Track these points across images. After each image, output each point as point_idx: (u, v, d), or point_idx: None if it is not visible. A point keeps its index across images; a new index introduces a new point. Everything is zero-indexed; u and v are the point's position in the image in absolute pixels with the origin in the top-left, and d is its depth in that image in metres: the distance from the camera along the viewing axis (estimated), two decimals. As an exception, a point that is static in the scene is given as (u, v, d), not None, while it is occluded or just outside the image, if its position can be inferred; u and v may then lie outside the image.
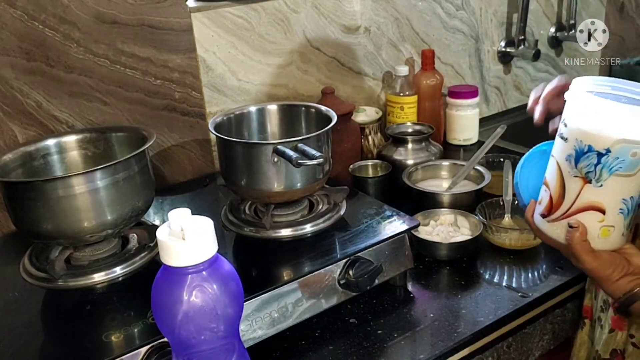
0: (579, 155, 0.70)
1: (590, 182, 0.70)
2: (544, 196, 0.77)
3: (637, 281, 0.74)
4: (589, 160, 0.69)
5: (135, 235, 0.97)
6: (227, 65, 1.30)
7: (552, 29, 1.88)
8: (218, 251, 0.59)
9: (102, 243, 0.93)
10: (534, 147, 0.86)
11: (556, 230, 0.75)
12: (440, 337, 0.91)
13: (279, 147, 0.93)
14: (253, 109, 1.14)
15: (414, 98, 1.49)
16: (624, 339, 0.86)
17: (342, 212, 1.04)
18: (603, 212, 0.71)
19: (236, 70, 1.31)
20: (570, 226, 0.73)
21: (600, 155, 0.68)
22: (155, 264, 0.92)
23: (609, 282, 0.74)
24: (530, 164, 0.84)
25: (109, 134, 1.04)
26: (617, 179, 0.69)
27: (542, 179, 0.78)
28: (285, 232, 0.99)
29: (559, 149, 0.74)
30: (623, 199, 0.71)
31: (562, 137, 0.73)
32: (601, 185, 0.70)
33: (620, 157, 0.68)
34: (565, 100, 0.74)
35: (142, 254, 0.93)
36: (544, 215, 0.77)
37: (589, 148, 0.69)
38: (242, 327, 0.81)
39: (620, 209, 0.71)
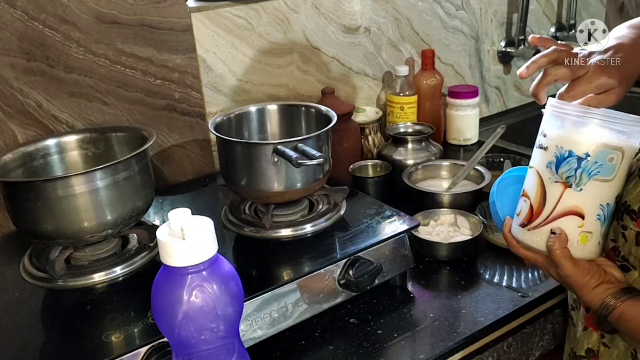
0: (559, 161, 0.74)
1: (570, 186, 0.73)
2: (523, 207, 0.79)
3: (613, 290, 0.75)
4: (570, 165, 0.73)
5: (135, 235, 0.97)
6: (227, 65, 1.30)
7: (552, 29, 1.88)
8: (218, 251, 0.59)
9: (102, 243, 0.93)
10: (504, 172, 0.90)
11: (536, 238, 0.78)
12: (440, 337, 0.91)
13: (279, 147, 0.93)
14: (253, 109, 1.14)
15: (414, 98, 1.49)
16: (598, 340, 0.86)
17: (342, 212, 1.04)
18: (582, 217, 0.74)
19: (236, 70, 1.31)
20: (553, 232, 0.75)
21: (580, 159, 0.72)
22: (155, 264, 0.92)
23: (587, 290, 0.76)
24: (503, 188, 0.87)
25: (109, 134, 1.04)
26: (596, 183, 0.73)
27: (515, 201, 0.81)
28: (285, 232, 0.99)
29: (538, 159, 0.77)
30: (600, 205, 0.74)
31: (541, 147, 0.77)
32: (581, 190, 0.73)
33: (599, 161, 0.72)
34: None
35: (142, 254, 0.93)
36: (523, 225, 0.79)
37: (570, 153, 0.73)
38: (242, 327, 0.81)
39: (598, 215, 0.74)
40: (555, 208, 0.75)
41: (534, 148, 0.78)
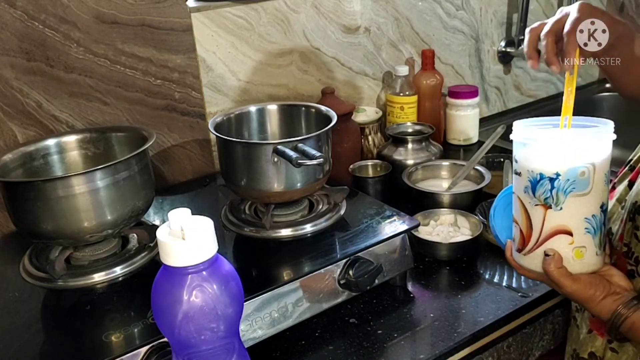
0: (534, 184, 0.74)
1: (550, 207, 0.74)
2: (515, 232, 0.80)
3: (621, 300, 0.75)
4: (544, 187, 0.73)
5: (135, 235, 0.97)
6: (227, 65, 1.30)
7: (552, 29, 1.88)
8: (218, 251, 0.59)
9: (102, 243, 0.93)
10: (500, 193, 0.89)
11: (533, 261, 0.78)
12: (440, 337, 0.91)
13: (279, 147, 0.93)
14: (253, 109, 1.14)
15: (414, 98, 1.49)
16: (604, 345, 0.86)
17: (342, 212, 1.04)
18: (570, 234, 0.74)
19: (236, 70, 1.31)
20: (547, 254, 0.75)
21: (552, 180, 0.72)
22: (155, 264, 0.92)
23: (594, 303, 0.76)
24: (500, 209, 0.87)
25: (109, 134, 1.04)
26: (574, 199, 0.73)
27: (512, 222, 0.82)
28: (285, 232, 0.99)
29: (516, 185, 0.78)
30: (586, 218, 0.74)
31: (516, 173, 0.77)
32: (561, 209, 0.73)
33: (571, 178, 0.72)
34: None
35: (142, 254, 0.93)
36: (519, 250, 0.79)
37: (541, 176, 0.73)
38: (242, 327, 0.81)
39: (586, 228, 0.74)
40: (542, 230, 0.75)
41: (512, 174, 0.79)
